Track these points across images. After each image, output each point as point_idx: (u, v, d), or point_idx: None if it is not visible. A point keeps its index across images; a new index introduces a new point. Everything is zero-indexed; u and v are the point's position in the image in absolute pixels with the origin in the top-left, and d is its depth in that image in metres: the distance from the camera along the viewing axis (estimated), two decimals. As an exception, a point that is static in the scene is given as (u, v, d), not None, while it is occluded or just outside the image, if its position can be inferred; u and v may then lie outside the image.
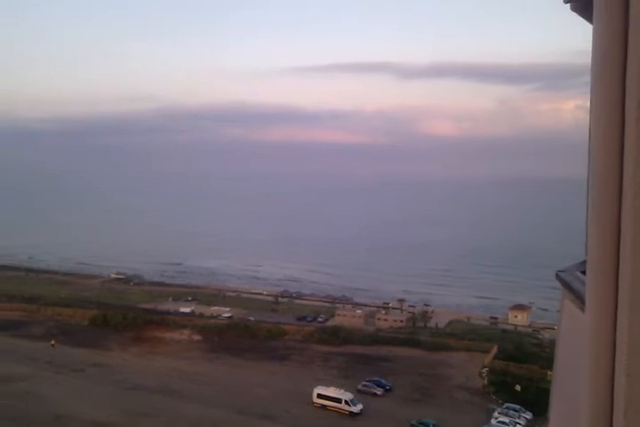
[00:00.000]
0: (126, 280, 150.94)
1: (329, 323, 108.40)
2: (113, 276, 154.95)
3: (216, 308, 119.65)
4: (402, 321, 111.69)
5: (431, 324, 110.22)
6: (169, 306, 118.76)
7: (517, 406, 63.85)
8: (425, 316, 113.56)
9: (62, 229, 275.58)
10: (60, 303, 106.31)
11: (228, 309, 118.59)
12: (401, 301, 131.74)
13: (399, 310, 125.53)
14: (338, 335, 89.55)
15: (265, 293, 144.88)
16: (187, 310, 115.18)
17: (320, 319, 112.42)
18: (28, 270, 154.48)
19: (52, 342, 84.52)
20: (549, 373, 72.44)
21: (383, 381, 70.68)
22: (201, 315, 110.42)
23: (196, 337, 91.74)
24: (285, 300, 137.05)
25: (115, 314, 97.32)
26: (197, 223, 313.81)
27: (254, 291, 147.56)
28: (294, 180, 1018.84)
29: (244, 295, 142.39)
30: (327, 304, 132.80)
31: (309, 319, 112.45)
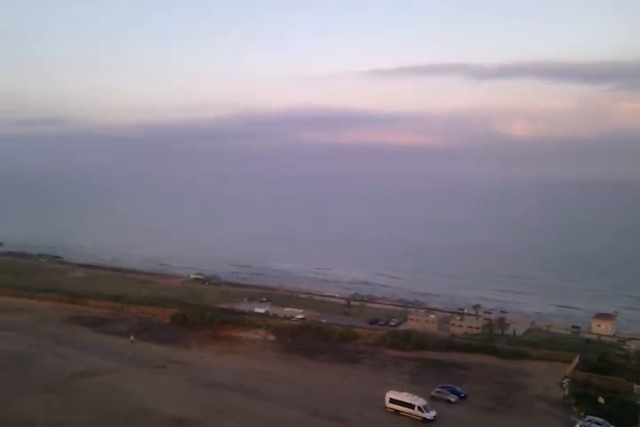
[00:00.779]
0: (204, 281, 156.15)
1: (401, 327, 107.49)
2: (192, 276, 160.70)
3: (289, 309, 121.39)
4: (477, 328, 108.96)
5: (508, 331, 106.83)
6: (244, 306, 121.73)
7: (601, 420, 60.48)
8: (502, 323, 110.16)
9: (143, 230, 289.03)
10: (143, 302, 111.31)
11: (300, 310, 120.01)
12: (476, 307, 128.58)
13: (474, 317, 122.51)
14: (410, 340, 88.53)
15: (337, 295, 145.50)
16: (261, 310, 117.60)
17: (392, 323, 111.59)
18: (114, 270, 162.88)
19: (132, 338, 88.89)
20: (636, 386, 68.57)
21: (458, 388, 69.13)
22: (275, 316, 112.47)
23: (270, 337, 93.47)
24: (357, 303, 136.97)
25: (194, 313, 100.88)
26: (270, 226, 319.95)
27: (326, 293, 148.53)
28: (365, 182, 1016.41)
29: (317, 297, 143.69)
30: (399, 308, 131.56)
31: (381, 323, 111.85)
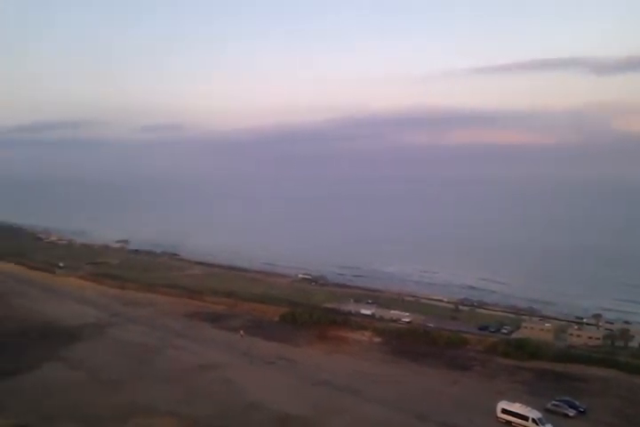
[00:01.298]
0: (312, 281, 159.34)
1: (514, 335, 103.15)
2: (300, 276, 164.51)
3: (395, 312, 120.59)
4: (598, 338, 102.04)
5: (633, 344, 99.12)
6: (351, 307, 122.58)
7: None
8: (626, 334, 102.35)
9: (252, 230, 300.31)
10: (254, 299, 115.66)
11: (407, 313, 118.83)
12: (597, 316, 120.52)
13: (594, 327, 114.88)
14: (524, 349, 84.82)
15: (445, 300, 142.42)
16: (367, 312, 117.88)
17: (504, 331, 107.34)
18: (227, 268, 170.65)
19: (241, 332, 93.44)
20: None
21: (576, 402, 65.28)
22: (381, 318, 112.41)
23: (376, 339, 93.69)
24: (466, 308, 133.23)
25: (302, 312, 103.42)
26: (376, 228, 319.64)
27: (433, 297, 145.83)
28: (475, 184, 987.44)
29: (423, 301, 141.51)
30: (511, 315, 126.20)
31: (492, 330, 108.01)
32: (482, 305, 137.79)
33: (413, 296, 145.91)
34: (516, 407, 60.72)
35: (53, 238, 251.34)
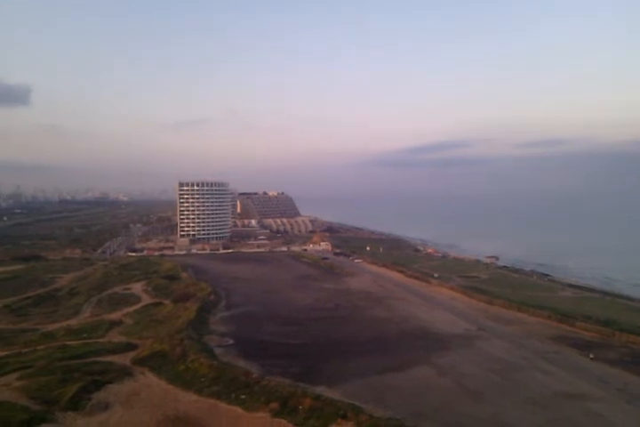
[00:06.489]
0: None
1: None
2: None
3: None
4: None
5: None
6: None
7: None
8: None
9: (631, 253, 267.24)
10: (635, 331, 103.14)
11: None
12: None
13: None
14: None
15: None
16: None
17: None
18: (604, 293, 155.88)
19: (591, 355, 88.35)
20: None
21: None
22: None
23: None
24: None
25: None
26: None
27: None
28: None
29: None
30: None
31: None
32: None
33: None
34: None
35: (429, 251, 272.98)
